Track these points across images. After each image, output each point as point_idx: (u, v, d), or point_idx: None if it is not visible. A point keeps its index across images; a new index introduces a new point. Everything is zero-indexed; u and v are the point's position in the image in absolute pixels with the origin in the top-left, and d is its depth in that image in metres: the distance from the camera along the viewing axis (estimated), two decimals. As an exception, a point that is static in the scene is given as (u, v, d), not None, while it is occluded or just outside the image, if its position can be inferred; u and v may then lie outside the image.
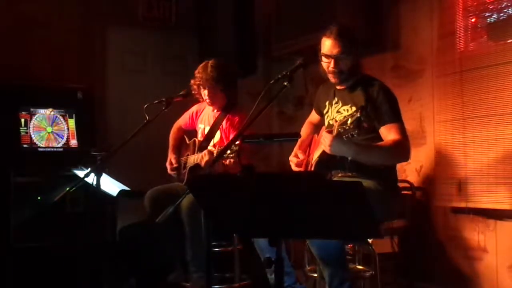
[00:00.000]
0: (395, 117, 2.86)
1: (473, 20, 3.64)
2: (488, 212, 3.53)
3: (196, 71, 3.72)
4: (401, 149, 2.83)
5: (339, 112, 3.02)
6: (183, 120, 4.06)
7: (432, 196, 3.87)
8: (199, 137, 3.87)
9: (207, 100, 3.74)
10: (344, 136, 2.57)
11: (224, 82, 3.68)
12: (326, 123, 3.13)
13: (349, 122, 2.53)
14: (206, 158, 3.40)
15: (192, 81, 3.73)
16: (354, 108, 2.90)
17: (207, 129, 3.81)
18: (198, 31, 5.33)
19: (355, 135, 2.56)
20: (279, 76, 2.77)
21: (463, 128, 3.63)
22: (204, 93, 3.71)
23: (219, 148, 3.28)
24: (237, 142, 2.77)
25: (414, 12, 4.02)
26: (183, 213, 3.47)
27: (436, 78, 3.85)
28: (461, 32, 3.68)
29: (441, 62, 3.80)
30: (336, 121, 2.75)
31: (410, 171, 3.99)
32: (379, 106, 2.84)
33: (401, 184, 3.46)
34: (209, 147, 3.62)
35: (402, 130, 2.85)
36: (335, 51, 2.89)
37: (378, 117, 2.84)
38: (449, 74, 3.73)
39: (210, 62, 3.72)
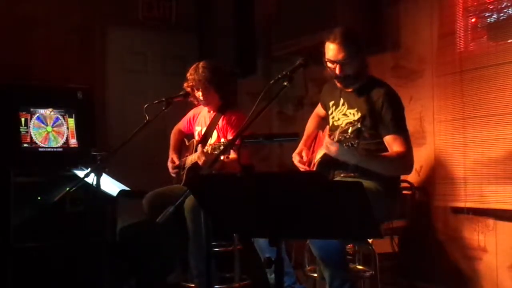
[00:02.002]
0: (399, 128, 2.85)
1: (473, 20, 3.64)
2: (488, 212, 3.53)
3: (188, 74, 3.72)
4: (404, 162, 2.84)
5: (345, 115, 3.01)
6: (182, 124, 4.08)
7: (432, 196, 3.87)
8: (196, 139, 3.87)
9: (202, 101, 3.74)
10: (344, 145, 2.57)
11: (216, 82, 3.68)
12: (330, 123, 3.13)
13: (349, 131, 2.52)
14: (202, 158, 3.40)
15: (185, 84, 3.73)
16: (359, 113, 2.90)
17: (203, 130, 3.82)
18: (198, 31, 5.33)
19: (355, 145, 2.56)
20: (279, 76, 2.76)
21: (463, 128, 3.63)
22: (198, 94, 3.71)
23: (213, 144, 3.26)
24: (237, 142, 2.77)
25: (414, 12, 4.02)
26: (186, 212, 3.48)
27: (436, 78, 3.85)
28: (461, 32, 3.68)
29: (441, 62, 3.80)
30: (341, 124, 2.74)
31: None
32: (384, 116, 2.83)
33: (401, 184, 3.46)
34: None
35: (406, 142, 2.84)
36: (340, 56, 2.86)
37: (382, 126, 2.83)
38: (449, 74, 3.73)
39: (200, 63, 3.73)
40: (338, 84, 2.98)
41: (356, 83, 2.96)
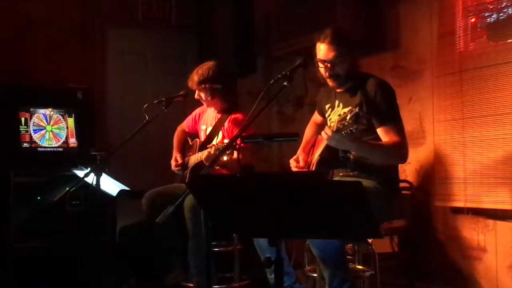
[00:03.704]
0: (394, 118, 2.87)
1: (473, 20, 3.64)
2: (487, 212, 3.53)
3: (193, 74, 3.74)
4: (400, 151, 2.85)
5: (340, 116, 3.01)
6: (186, 123, 4.08)
7: (432, 196, 3.87)
8: (202, 138, 3.88)
9: (208, 102, 3.76)
10: (343, 132, 2.58)
11: (222, 83, 3.69)
12: (328, 125, 3.13)
13: (348, 117, 2.55)
14: (205, 155, 3.41)
15: (189, 83, 3.74)
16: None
17: (209, 129, 3.83)
18: (198, 31, 5.33)
19: (353, 130, 2.57)
20: (279, 76, 2.77)
21: (462, 128, 3.63)
22: (202, 95, 3.72)
23: (217, 145, 3.27)
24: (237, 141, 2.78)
25: (414, 12, 4.02)
26: (186, 211, 3.48)
27: (436, 78, 3.85)
28: (461, 32, 3.68)
29: (441, 62, 3.80)
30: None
31: (410, 171, 3.99)
32: (378, 106, 2.84)
33: (401, 184, 3.46)
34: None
35: (401, 131, 2.85)
36: (330, 55, 2.88)
37: (376, 117, 2.84)
38: (449, 74, 3.73)
39: (205, 64, 3.74)
40: (330, 84, 2.98)
41: (348, 82, 2.97)
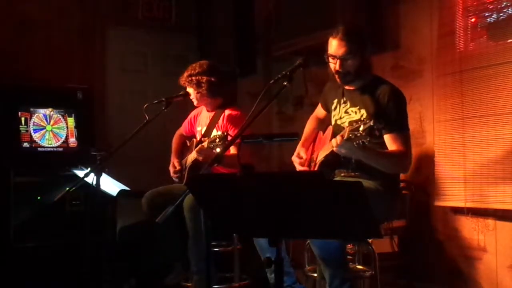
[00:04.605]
0: (402, 127, 2.87)
1: (473, 20, 3.64)
2: (487, 212, 3.53)
3: (186, 72, 3.75)
4: (403, 162, 2.86)
5: (347, 113, 3.01)
6: (183, 127, 4.09)
7: (432, 196, 3.87)
8: (198, 138, 3.89)
9: (196, 99, 3.75)
10: (355, 143, 2.55)
11: (215, 81, 3.70)
12: (333, 122, 3.12)
13: (361, 129, 2.49)
14: (202, 155, 3.41)
15: (181, 81, 3.75)
16: (362, 111, 2.91)
17: (204, 130, 3.83)
18: (198, 31, 5.34)
19: (366, 143, 2.55)
20: (279, 76, 2.77)
21: (462, 128, 3.63)
22: (195, 93, 3.73)
23: (210, 139, 3.26)
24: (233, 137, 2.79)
25: (414, 12, 4.02)
26: (186, 211, 3.48)
27: (436, 78, 3.85)
28: (461, 32, 3.68)
29: (441, 62, 3.80)
30: (344, 123, 2.75)
31: (410, 171, 3.98)
32: (388, 114, 2.83)
33: (401, 184, 3.46)
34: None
35: (407, 141, 2.86)
36: (340, 51, 2.87)
37: (385, 124, 2.83)
38: (449, 74, 3.73)
39: (198, 63, 3.76)
40: (338, 80, 2.98)
41: (357, 80, 2.96)
